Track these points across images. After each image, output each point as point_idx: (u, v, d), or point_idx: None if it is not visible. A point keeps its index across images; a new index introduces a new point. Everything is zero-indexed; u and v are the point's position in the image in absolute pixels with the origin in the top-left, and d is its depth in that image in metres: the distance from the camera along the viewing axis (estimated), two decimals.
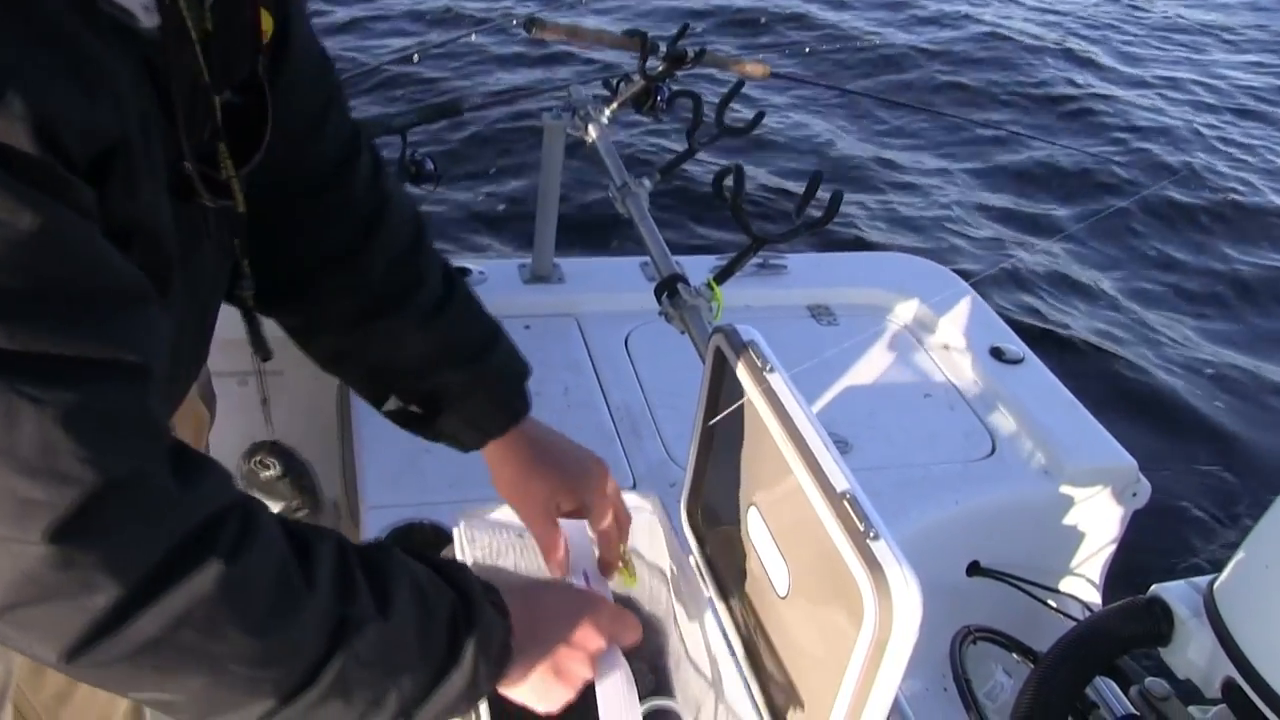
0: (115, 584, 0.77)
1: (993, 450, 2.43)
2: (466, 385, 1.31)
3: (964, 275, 3.08)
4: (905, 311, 2.90)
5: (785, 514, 1.26)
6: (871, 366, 2.68)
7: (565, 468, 1.33)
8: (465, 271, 2.82)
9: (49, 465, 0.73)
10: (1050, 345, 4.78)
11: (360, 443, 2.27)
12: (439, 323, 1.30)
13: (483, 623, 1.01)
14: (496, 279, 2.82)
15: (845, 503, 1.09)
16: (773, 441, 1.24)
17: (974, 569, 2.36)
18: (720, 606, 1.42)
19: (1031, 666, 2.11)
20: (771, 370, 1.28)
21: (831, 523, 1.10)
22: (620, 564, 1.39)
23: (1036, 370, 2.65)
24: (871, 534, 1.05)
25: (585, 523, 1.36)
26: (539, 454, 1.34)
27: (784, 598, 1.26)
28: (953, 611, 2.36)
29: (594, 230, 4.58)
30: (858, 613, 1.03)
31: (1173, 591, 1.87)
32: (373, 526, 2.05)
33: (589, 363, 2.60)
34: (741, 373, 1.31)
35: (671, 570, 1.48)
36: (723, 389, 1.41)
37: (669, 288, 1.83)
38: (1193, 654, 1.81)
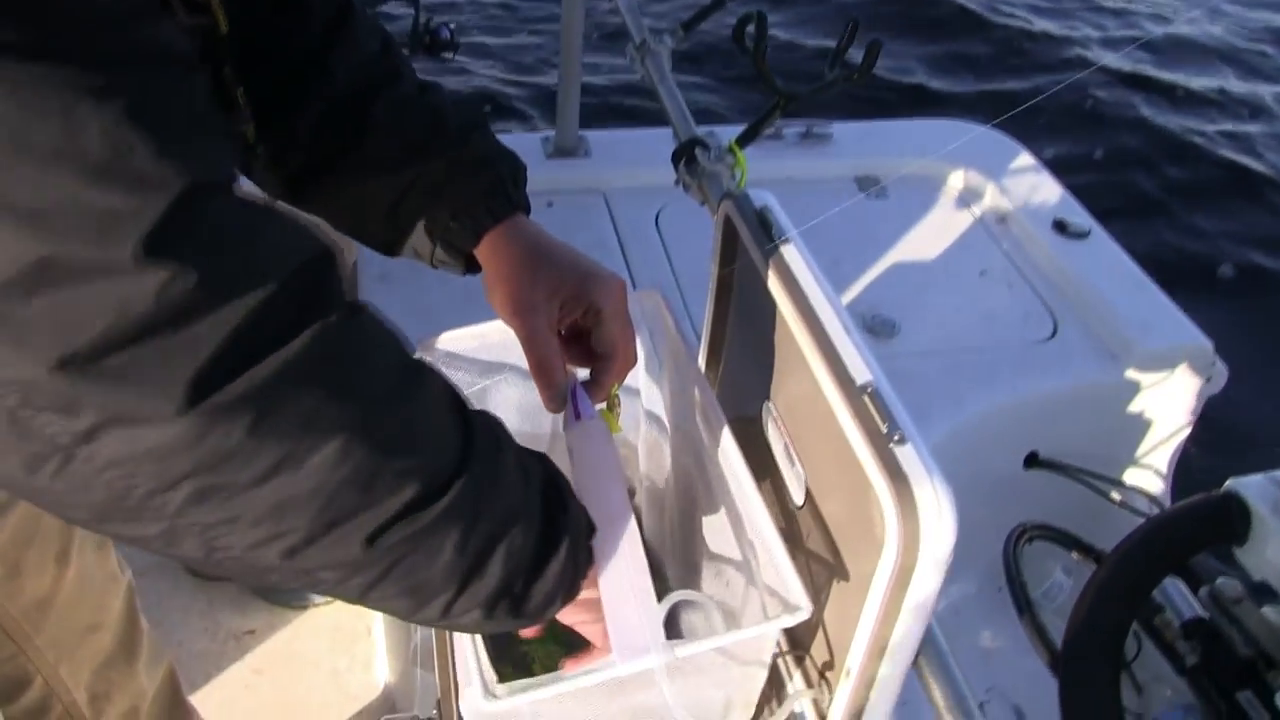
0: (228, 310, 0.60)
1: (1054, 332, 2.23)
2: (449, 171, 1.10)
3: (1028, 145, 2.83)
4: (961, 182, 2.67)
5: (800, 409, 1.08)
6: (923, 242, 2.47)
7: (575, 266, 1.08)
8: None
9: (125, 166, 0.56)
10: (1121, 219, 4.48)
11: None
12: (414, 113, 1.12)
13: (572, 508, 0.88)
14: (518, 152, 2.62)
15: (865, 398, 0.91)
16: (785, 325, 1.06)
17: (1032, 460, 2.18)
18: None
19: (1093, 566, 1.94)
20: (785, 241, 1.09)
21: (849, 422, 0.92)
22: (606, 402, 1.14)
23: (1104, 245, 2.42)
24: (896, 436, 0.87)
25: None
26: (543, 249, 1.09)
27: (799, 508, 1.09)
28: (1008, 507, 2.18)
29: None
30: (879, 532, 0.86)
31: (1250, 487, 1.70)
32: None
33: (616, 242, 2.41)
34: (751, 244, 1.13)
35: (672, 399, 1.28)
36: (735, 263, 1.22)
37: (686, 153, 1.64)
38: (1271, 554, 1.65)
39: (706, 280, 2.34)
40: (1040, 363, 2.15)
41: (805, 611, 0.92)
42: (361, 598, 0.75)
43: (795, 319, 1.03)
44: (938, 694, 0.96)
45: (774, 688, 1.10)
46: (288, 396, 0.63)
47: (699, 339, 2.16)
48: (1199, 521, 1.74)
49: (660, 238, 2.42)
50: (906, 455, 0.86)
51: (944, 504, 0.83)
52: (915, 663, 0.96)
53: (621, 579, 0.91)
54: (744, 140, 1.61)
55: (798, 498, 1.09)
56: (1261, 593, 1.82)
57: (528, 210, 1.14)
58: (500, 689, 0.88)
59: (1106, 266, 2.34)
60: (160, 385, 0.58)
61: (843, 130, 2.76)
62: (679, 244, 2.40)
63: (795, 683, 1.08)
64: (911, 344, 2.17)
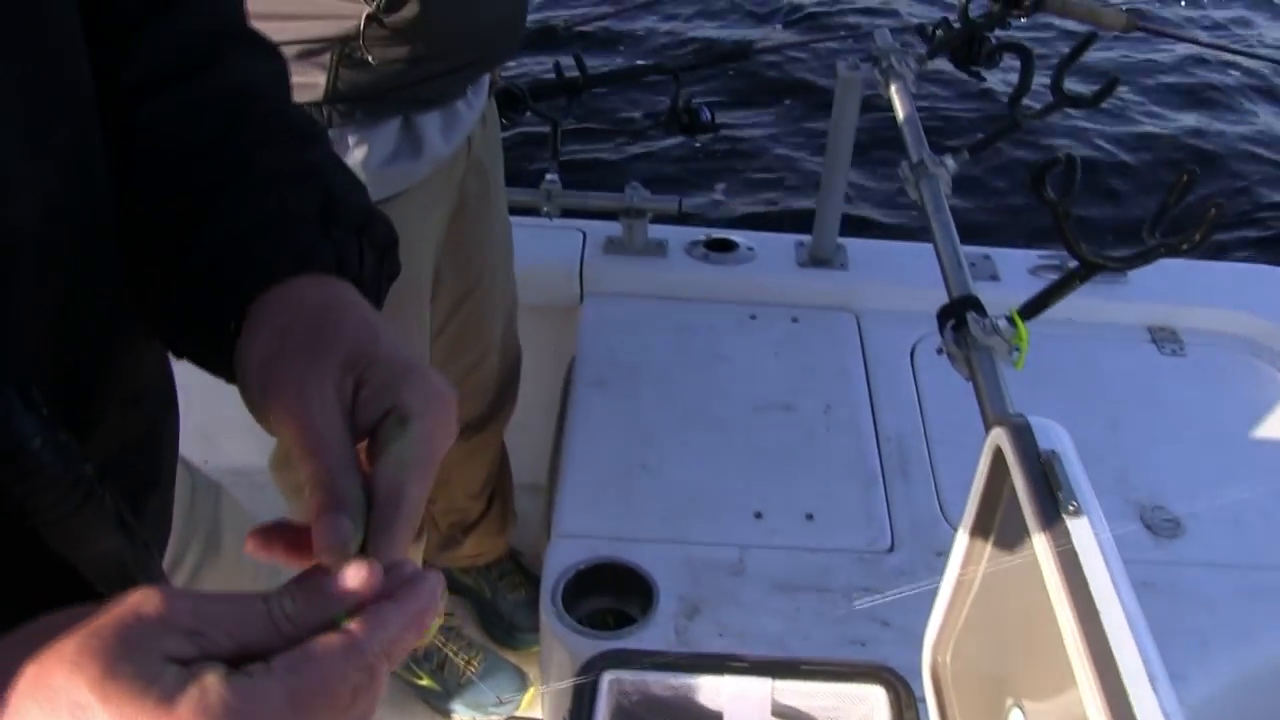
0: None
1: None
2: (209, 194, 0.69)
3: None
4: None
5: None
6: (1226, 418, 2.08)
7: (381, 339, 0.63)
8: (730, 245, 2.39)
9: None
10: None
11: (568, 455, 1.90)
12: (201, 110, 0.71)
13: None
14: (766, 256, 2.37)
15: None
16: (1058, 630, 0.76)
17: None
18: None
19: None
20: (1076, 512, 0.79)
21: None
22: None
23: None
24: None
25: None
26: (338, 308, 0.65)
27: None
28: None
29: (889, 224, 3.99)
30: None
31: None
32: (556, 562, 1.67)
33: (862, 373, 2.12)
34: (1026, 500, 0.83)
35: None
36: (1000, 508, 0.93)
37: (955, 314, 1.35)
38: None
39: (960, 433, 2.03)
40: None
41: None
42: None
43: (1075, 631, 0.73)
44: None
45: None
46: None
47: (939, 502, 1.86)
48: None
49: (914, 374, 2.12)
50: None
51: None
52: None
53: None
54: (1030, 311, 1.31)
55: None
56: None
57: (345, 269, 0.69)
58: None
59: None
60: None
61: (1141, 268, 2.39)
62: (934, 386, 2.09)
63: None
64: (1199, 550, 1.79)
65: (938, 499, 1.85)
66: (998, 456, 0.90)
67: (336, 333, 0.62)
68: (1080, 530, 0.79)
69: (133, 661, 0.45)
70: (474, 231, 1.81)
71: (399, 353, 0.63)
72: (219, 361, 0.67)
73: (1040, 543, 0.80)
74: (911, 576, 1.70)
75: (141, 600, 0.47)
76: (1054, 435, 0.87)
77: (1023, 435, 0.87)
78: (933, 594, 1.68)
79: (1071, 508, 0.80)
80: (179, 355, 0.72)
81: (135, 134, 0.69)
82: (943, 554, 1.74)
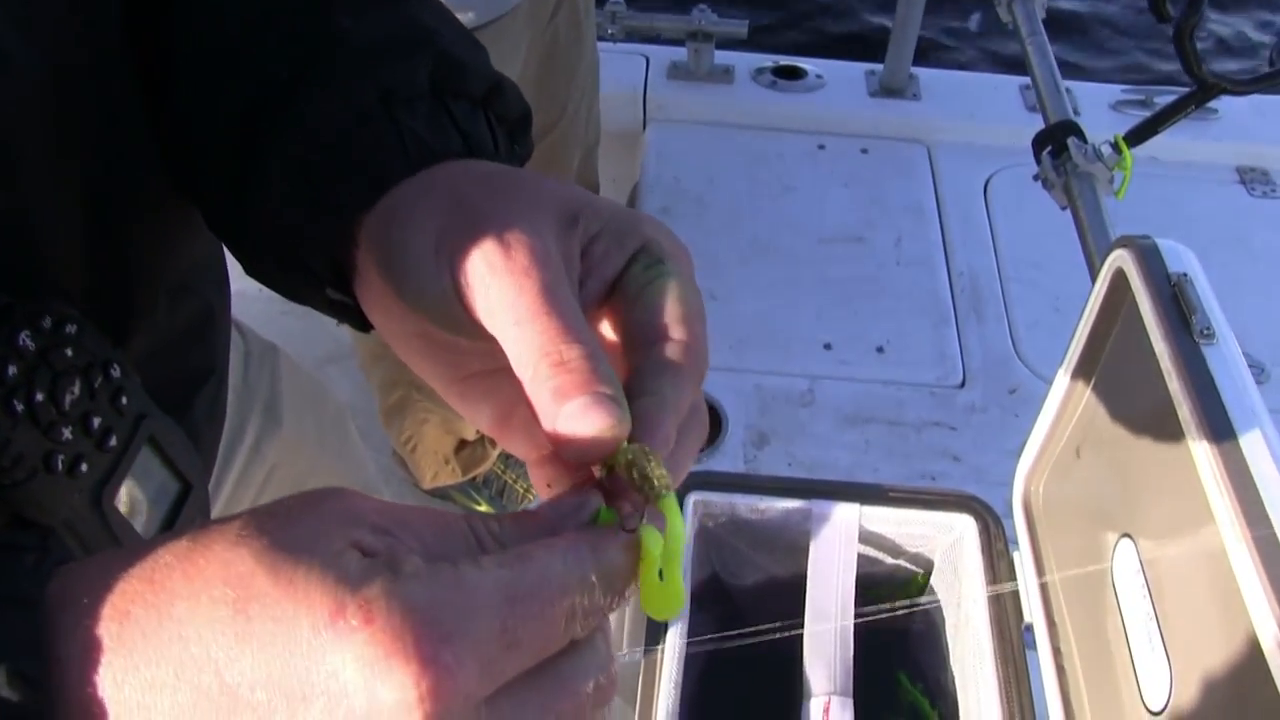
0: None
1: None
2: (293, 81, 0.52)
3: None
4: None
5: (1184, 582, 0.74)
6: None
7: (590, 195, 0.49)
8: (799, 72, 2.30)
9: None
10: None
11: None
12: None
13: None
14: (836, 85, 2.29)
15: None
16: (1189, 455, 0.72)
17: None
18: (1049, 668, 0.92)
19: None
20: (1210, 336, 0.75)
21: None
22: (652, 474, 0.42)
23: None
24: None
25: None
26: (526, 175, 0.50)
27: (1157, 714, 0.76)
28: None
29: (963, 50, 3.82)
30: None
31: None
32: None
33: (934, 207, 2.05)
34: (1153, 324, 0.78)
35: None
36: (1116, 332, 0.88)
37: (1054, 140, 1.28)
38: None
39: (1035, 271, 1.97)
40: None
41: None
42: None
43: (1210, 456, 0.69)
44: None
45: None
46: None
47: (1012, 340, 1.81)
48: None
49: (987, 210, 2.05)
50: None
51: None
52: None
53: None
54: (1137, 136, 1.25)
55: (1155, 699, 0.76)
56: None
57: (478, 151, 0.52)
58: None
59: None
60: None
61: (1231, 105, 2.28)
62: (1008, 219, 2.02)
63: None
64: None
65: (1010, 336, 1.80)
66: (1118, 279, 0.85)
67: (537, 185, 0.47)
68: (1216, 356, 0.74)
69: (311, 539, 0.36)
70: (563, 65, 1.72)
71: (614, 203, 0.49)
72: (298, 285, 0.54)
73: (1171, 369, 0.75)
74: (984, 413, 1.66)
75: (323, 492, 0.39)
76: (1183, 258, 0.81)
77: (1150, 257, 0.81)
78: (1007, 429, 1.66)
79: (1206, 331, 0.75)
80: (249, 273, 0.57)
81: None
82: (1016, 391, 1.72)
